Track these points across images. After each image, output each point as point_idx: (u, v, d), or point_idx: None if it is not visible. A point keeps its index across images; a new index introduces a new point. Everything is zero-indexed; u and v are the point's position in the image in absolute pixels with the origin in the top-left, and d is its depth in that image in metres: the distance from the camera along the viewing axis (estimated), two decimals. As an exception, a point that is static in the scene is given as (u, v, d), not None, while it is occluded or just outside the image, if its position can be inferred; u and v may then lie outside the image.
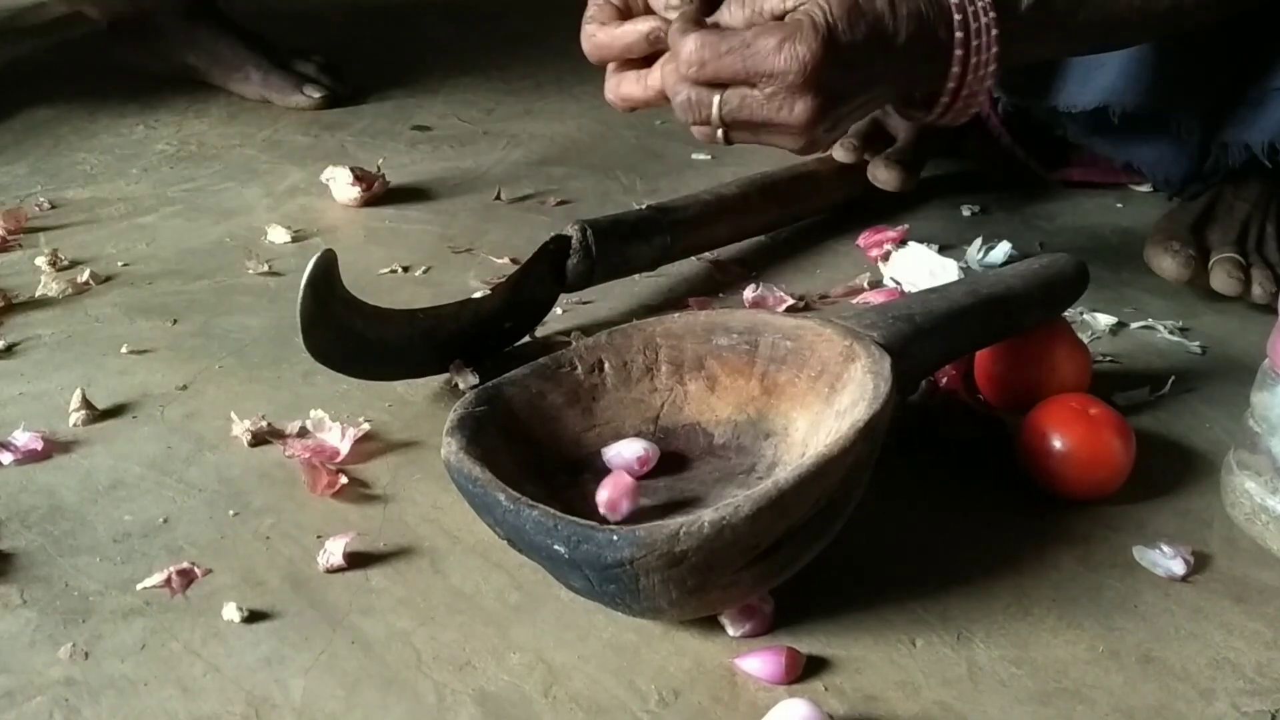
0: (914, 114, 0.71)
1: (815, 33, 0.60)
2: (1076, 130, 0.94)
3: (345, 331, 0.68)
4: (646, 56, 0.68)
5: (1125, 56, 0.87)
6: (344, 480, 0.64)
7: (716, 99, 0.62)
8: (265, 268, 0.90)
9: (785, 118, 0.61)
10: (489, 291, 0.78)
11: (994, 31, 0.65)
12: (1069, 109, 0.91)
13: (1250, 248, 0.87)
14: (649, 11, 0.68)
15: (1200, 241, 0.87)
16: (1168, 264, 0.85)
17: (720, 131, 0.64)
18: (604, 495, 0.57)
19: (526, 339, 0.79)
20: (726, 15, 0.64)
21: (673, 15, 0.65)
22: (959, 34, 0.64)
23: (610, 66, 0.70)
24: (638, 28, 0.67)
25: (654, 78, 0.66)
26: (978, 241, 0.93)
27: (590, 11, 0.69)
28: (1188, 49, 0.85)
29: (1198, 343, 0.82)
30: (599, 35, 0.68)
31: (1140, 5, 0.70)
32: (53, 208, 1.01)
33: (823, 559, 0.56)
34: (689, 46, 0.61)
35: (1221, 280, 0.83)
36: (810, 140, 0.64)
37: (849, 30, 0.61)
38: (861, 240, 0.94)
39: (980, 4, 0.64)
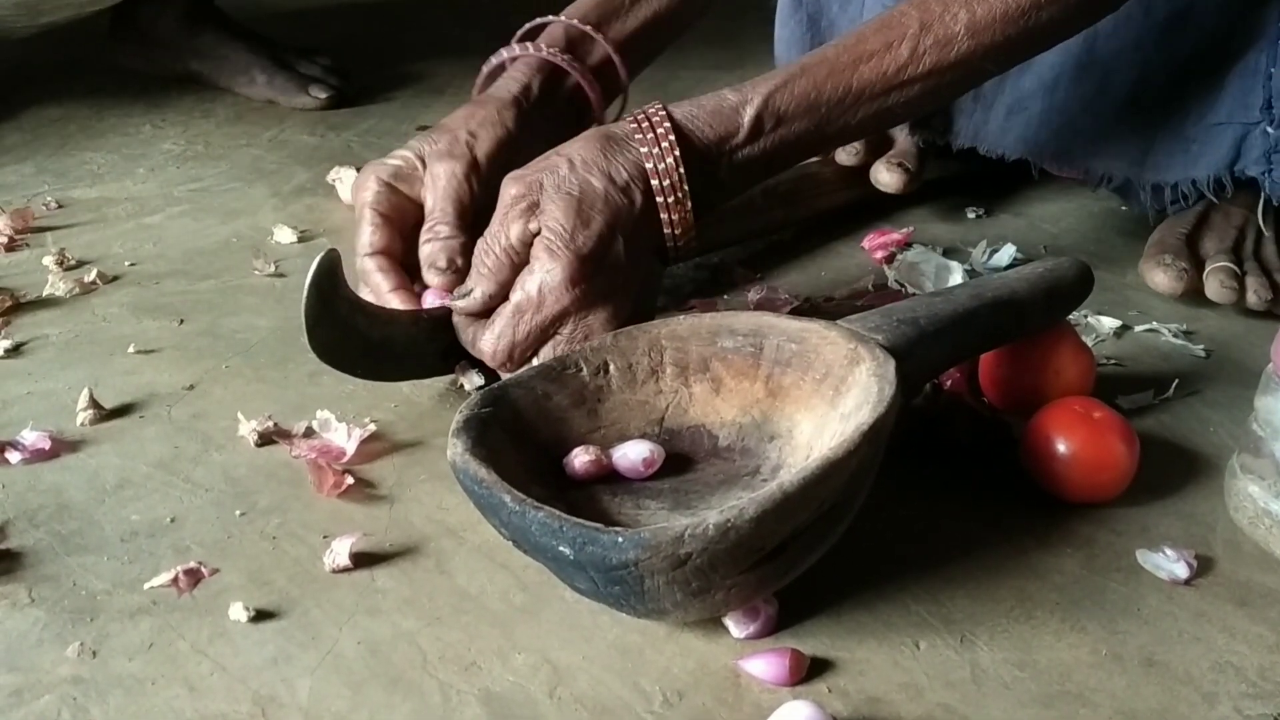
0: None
1: (556, 257, 0.64)
2: (1036, 161, 0.95)
3: (350, 332, 0.68)
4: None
5: (1046, 102, 0.89)
6: (350, 480, 0.65)
7: (534, 360, 0.66)
8: (271, 268, 0.90)
9: (596, 332, 0.66)
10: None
11: (680, 190, 0.68)
12: (990, 153, 0.93)
13: (1246, 254, 0.87)
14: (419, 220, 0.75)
15: (1195, 251, 0.87)
16: (1160, 278, 0.85)
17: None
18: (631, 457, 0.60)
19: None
20: (478, 263, 0.67)
21: (435, 277, 0.73)
22: (659, 198, 0.68)
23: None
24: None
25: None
26: (982, 244, 0.94)
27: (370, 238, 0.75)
28: (1115, 89, 0.86)
29: (1202, 346, 0.82)
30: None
31: (871, 80, 0.70)
32: (60, 207, 1.01)
33: (827, 561, 0.56)
34: (488, 346, 0.67)
35: (1216, 289, 0.83)
36: (626, 317, 0.68)
37: (585, 232, 0.65)
38: (866, 242, 0.94)
39: (667, 160, 0.67)
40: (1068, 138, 0.91)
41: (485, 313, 0.67)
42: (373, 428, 0.69)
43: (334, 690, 0.52)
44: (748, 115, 0.69)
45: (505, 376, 0.65)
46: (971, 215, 1.02)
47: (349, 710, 0.51)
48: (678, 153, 0.67)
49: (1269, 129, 0.83)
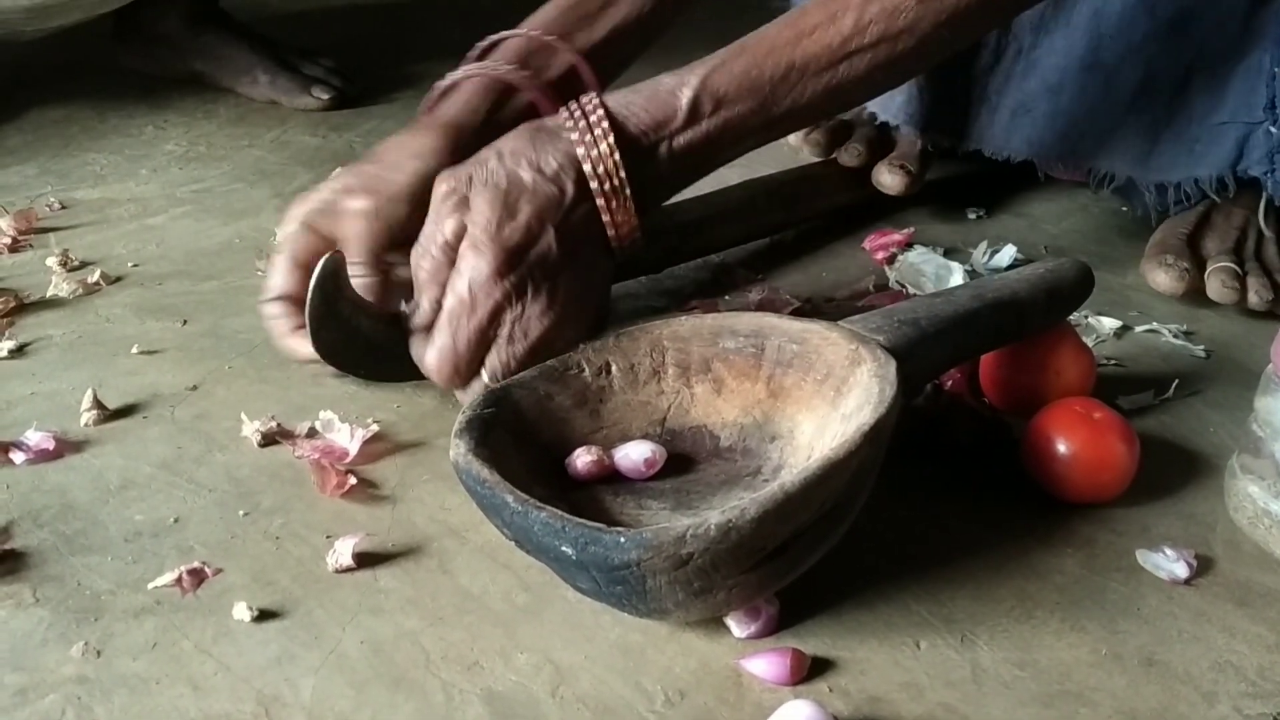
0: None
1: (481, 252, 0.62)
2: (1037, 161, 0.95)
3: (353, 333, 0.68)
4: None
5: (1052, 104, 0.89)
6: (353, 481, 0.65)
7: (486, 375, 0.64)
8: (274, 269, 0.90)
9: (539, 326, 0.64)
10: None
11: (618, 176, 0.65)
12: (995, 155, 0.93)
13: (1248, 254, 0.87)
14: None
15: (1196, 251, 0.87)
16: (1161, 278, 0.85)
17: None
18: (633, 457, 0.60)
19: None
20: (417, 269, 0.65)
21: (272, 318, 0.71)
22: (593, 184, 0.65)
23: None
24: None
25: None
26: (983, 245, 0.94)
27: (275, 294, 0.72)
28: (1118, 90, 0.86)
29: (1202, 346, 0.82)
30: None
31: (809, 58, 0.67)
32: (63, 208, 1.01)
33: (828, 561, 0.56)
34: (433, 363, 0.64)
35: (1217, 290, 0.84)
36: (582, 320, 0.66)
37: (510, 219, 0.63)
38: (867, 243, 0.95)
39: (600, 147, 0.65)
40: (1073, 139, 0.91)
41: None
42: (375, 428, 0.69)
43: (337, 690, 0.52)
44: (685, 98, 0.66)
45: (467, 392, 0.64)
46: (972, 216, 1.02)
47: (352, 710, 0.51)
48: (611, 139, 0.64)
49: (1272, 129, 0.83)
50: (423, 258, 0.65)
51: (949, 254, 0.93)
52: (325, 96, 1.27)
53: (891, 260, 0.92)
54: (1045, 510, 0.64)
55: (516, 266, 0.63)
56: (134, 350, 0.79)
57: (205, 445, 0.69)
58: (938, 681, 0.53)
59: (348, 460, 0.67)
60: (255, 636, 0.55)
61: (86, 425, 0.70)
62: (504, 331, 0.64)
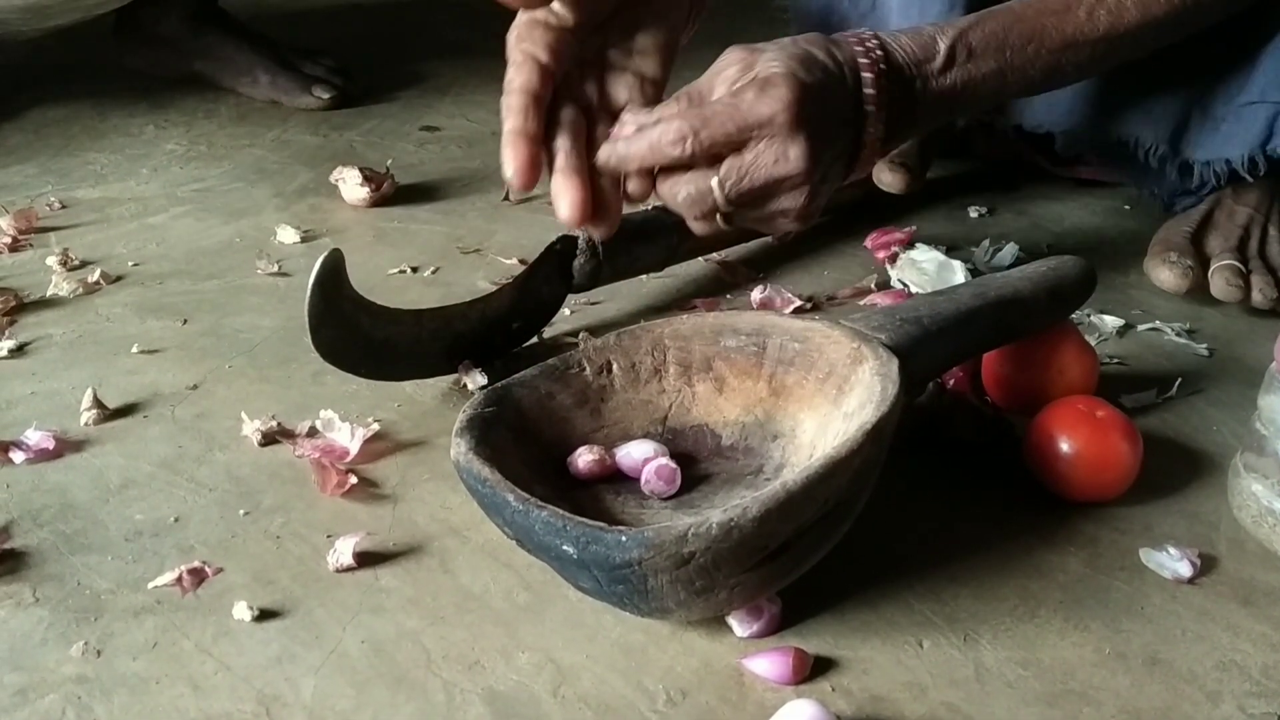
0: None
1: (785, 78, 0.60)
2: (1061, 142, 0.95)
3: (353, 331, 0.68)
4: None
5: (1089, 81, 0.88)
6: (353, 480, 0.65)
7: (714, 180, 0.61)
8: (275, 268, 0.90)
9: (784, 169, 0.61)
10: (496, 291, 0.78)
11: (877, 97, 0.65)
12: (1035, 129, 0.92)
13: (1252, 253, 0.87)
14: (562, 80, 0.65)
15: (1200, 249, 0.87)
16: (1165, 275, 0.85)
17: (721, 218, 0.63)
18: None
19: (535, 340, 0.79)
20: (682, 98, 0.62)
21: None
22: (868, 90, 0.65)
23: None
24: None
25: (633, 186, 0.63)
26: (985, 243, 0.94)
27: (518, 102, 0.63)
28: (1153, 70, 0.86)
29: (1205, 345, 0.82)
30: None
31: (1071, 35, 0.71)
32: (63, 207, 1.01)
33: (830, 560, 0.56)
34: (673, 123, 0.60)
35: (1221, 288, 0.83)
36: (811, 192, 0.63)
37: (808, 74, 0.62)
38: (869, 242, 0.95)
39: (875, 54, 0.65)
40: (1110, 109, 0.90)
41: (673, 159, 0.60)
42: (376, 427, 0.69)
43: (338, 689, 0.52)
44: (944, 43, 0.68)
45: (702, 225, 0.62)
46: (974, 214, 1.02)
47: (353, 709, 0.51)
48: (883, 63, 0.65)
49: None
50: (691, 97, 0.62)
51: (951, 252, 0.92)
52: (326, 96, 1.27)
53: (893, 259, 0.91)
54: (1048, 509, 0.64)
55: (804, 101, 0.60)
56: (134, 349, 0.78)
57: (206, 444, 0.69)
58: (941, 681, 0.53)
59: (348, 459, 0.67)
60: (256, 636, 0.55)
61: (87, 424, 0.70)
62: (757, 146, 0.60)
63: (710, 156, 0.60)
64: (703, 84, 0.63)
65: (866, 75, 0.65)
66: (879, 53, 0.66)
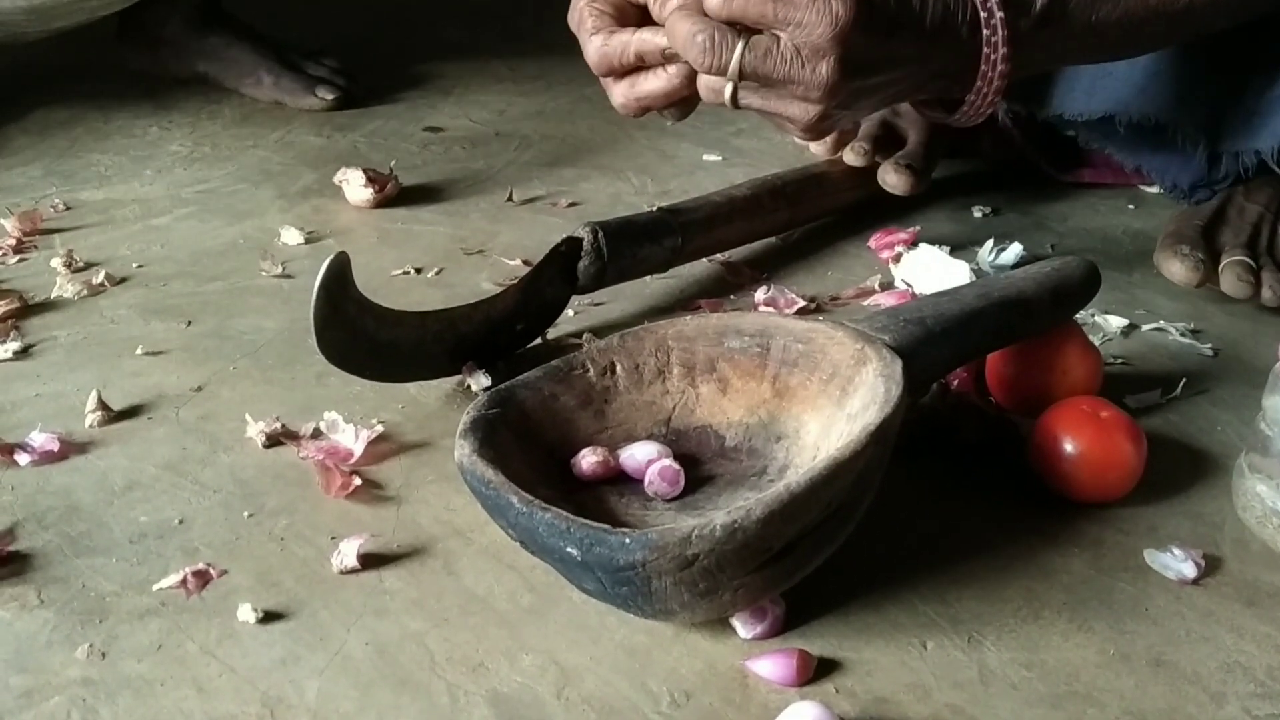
0: (933, 113, 0.70)
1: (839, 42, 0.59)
2: (1085, 135, 0.94)
3: (358, 333, 0.68)
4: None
5: (1131, 66, 0.87)
6: (357, 482, 0.65)
7: (741, 44, 0.60)
8: (279, 269, 0.90)
9: (807, 76, 0.60)
10: (500, 292, 0.78)
11: (1004, 32, 0.65)
12: (1075, 117, 0.92)
13: (1262, 249, 0.87)
14: (646, 19, 0.67)
15: (1211, 244, 0.87)
16: (1176, 268, 0.85)
17: (730, 89, 0.62)
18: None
19: (539, 341, 0.79)
20: None
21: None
22: (985, 31, 0.64)
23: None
24: (656, 40, 0.66)
25: (674, 67, 0.65)
26: (989, 243, 0.93)
27: (589, 23, 0.68)
28: (1191, 59, 0.85)
29: (1209, 345, 0.82)
30: (610, 45, 0.67)
31: (1155, 5, 0.70)
32: (67, 209, 1.01)
33: (834, 561, 0.56)
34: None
35: (1231, 283, 0.83)
36: (822, 113, 0.62)
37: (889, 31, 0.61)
38: (873, 242, 0.94)
39: (993, 3, 0.65)
40: (1151, 94, 0.89)
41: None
42: (380, 429, 0.69)
43: (342, 691, 0.52)
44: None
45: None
46: (978, 214, 1.02)
47: (357, 711, 0.51)
48: None
49: None
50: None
51: (955, 252, 0.92)
52: (330, 97, 1.27)
53: (897, 259, 0.91)
54: (1052, 510, 0.64)
55: (867, 33, 0.60)
56: (138, 351, 0.79)
57: (210, 446, 0.69)
58: (945, 682, 0.53)
59: (352, 461, 0.67)
60: (260, 638, 0.55)
61: (91, 426, 0.70)
62: (792, 41, 0.60)
63: (743, 23, 0.60)
64: None
65: (983, 14, 0.64)
66: None
